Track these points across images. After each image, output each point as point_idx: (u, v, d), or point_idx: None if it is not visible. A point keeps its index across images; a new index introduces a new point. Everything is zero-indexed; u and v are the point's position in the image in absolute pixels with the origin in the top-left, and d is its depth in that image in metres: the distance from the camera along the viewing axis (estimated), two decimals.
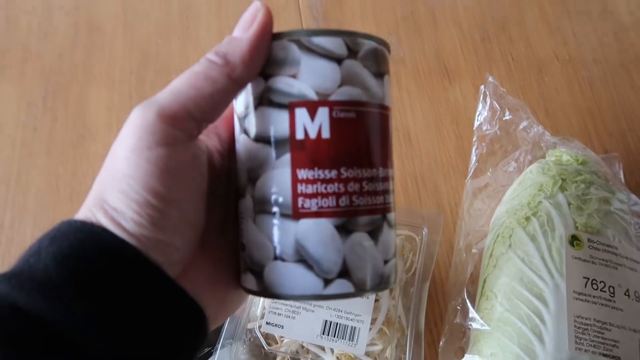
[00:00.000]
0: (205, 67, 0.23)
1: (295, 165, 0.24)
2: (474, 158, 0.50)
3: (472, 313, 0.40)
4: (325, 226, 0.24)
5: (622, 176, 0.49)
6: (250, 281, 0.25)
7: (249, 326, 0.41)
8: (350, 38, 0.25)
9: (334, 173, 0.24)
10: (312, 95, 0.24)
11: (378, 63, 0.26)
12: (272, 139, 0.24)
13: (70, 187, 0.57)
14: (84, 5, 0.67)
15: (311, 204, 0.24)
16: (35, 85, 0.63)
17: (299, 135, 0.24)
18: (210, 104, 0.23)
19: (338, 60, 0.24)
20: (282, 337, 0.41)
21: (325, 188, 0.24)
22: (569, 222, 0.40)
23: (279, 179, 0.24)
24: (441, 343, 0.43)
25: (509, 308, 0.38)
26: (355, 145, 0.24)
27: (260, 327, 0.41)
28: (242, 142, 0.26)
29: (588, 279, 0.38)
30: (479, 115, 0.50)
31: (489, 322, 0.39)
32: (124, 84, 0.62)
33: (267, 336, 0.41)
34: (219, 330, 0.41)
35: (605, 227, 0.41)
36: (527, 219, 0.41)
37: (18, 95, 0.62)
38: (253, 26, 0.24)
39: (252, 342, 0.41)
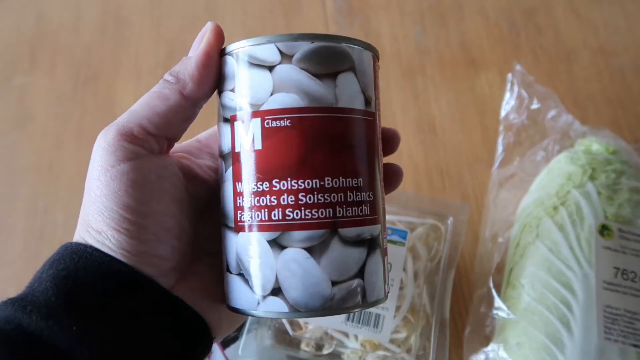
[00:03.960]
0: (160, 86, 0.25)
1: (234, 178, 0.24)
2: (500, 148, 0.49)
3: (498, 302, 0.40)
4: (258, 240, 0.23)
5: None
6: (220, 289, 0.26)
7: None
8: (283, 42, 0.23)
9: (265, 185, 0.23)
10: (247, 107, 0.23)
11: (325, 63, 0.23)
12: (222, 153, 0.25)
13: None
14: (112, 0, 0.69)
15: (245, 217, 0.23)
16: (66, 78, 0.64)
17: (237, 148, 0.24)
18: (165, 120, 0.25)
19: (270, 68, 0.23)
20: (306, 323, 0.41)
21: (258, 201, 0.23)
22: (599, 212, 0.39)
23: (226, 192, 0.25)
24: (466, 332, 0.42)
25: (536, 297, 0.38)
26: (290, 155, 0.23)
27: None
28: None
29: (618, 269, 0.38)
30: (505, 104, 0.49)
31: (516, 311, 0.39)
32: (151, 77, 0.63)
33: (292, 322, 0.41)
34: None
35: (637, 217, 0.40)
36: (555, 208, 0.41)
37: (49, 87, 0.64)
38: (201, 45, 0.25)
39: (277, 327, 0.42)
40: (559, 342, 0.36)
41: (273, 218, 0.23)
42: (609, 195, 0.40)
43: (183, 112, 0.25)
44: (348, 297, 0.23)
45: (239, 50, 0.24)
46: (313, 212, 0.23)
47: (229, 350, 0.42)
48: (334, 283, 0.23)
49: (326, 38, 0.24)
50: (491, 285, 0.41)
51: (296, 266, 0.23)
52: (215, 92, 0.26)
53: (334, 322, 0.40)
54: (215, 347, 0.42)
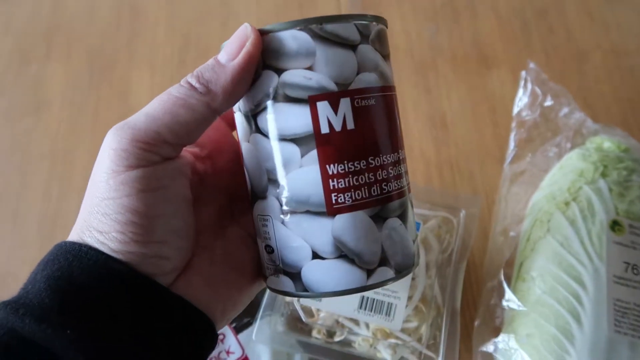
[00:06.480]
0: (185, 93, 0.23)
1: (323, 161, 0.23)
2: (512, 144, 0.50)
3: (509, 294, 0.41)
4: (361, 218, 0.23)
5: None
6: (285, 283, 0.25)
7: (288, 299, 0.43)
8: (361, 22, 0.24)
9: (363, 164, 0.23)
10: (332, 87, 0.23)
11: (385, 44, 0.25)
12: (295, 137, 0.23)
13: None
14: None
15: (345, 198, 0.23)
16: (81, 66, 0.65)
17: (324, 129, 0.23)
18: (186, 130, 0.23)
19: (352, 47, 0.23)
20: (319, 310, 0.42)
21: (357, 180, 0.23)
22: (610, 208, 0.40)
23: (308, 177, 0.23)
24: (476, 323, 0.43)
25: (547, 290, 0.39)
26: (378, 132, 0.24)
27: (298, 300, 0.42)
28: (255, 142, 0.24)
29: (629, 264, 0.38)
30: (519, 101, 0.50)
31: (526, 303, 0.39)
32: (165, 67, 0.64)
33: (304, 309, 0.42)
34: (258, 303, 0.42)
35: None
36: (567, 204, 0.41)
37: (65, 75, 0.64)
38: (240, 55, 0.23)
39: (290, 314, 0.42)
40: (569, 334, 0.36)
41: (373, 194, 0.24)
42: (620, 192, 0.41)
43: (205, 124, 0.23)
44: (418, 252, 0.26)
45: (319, 27, 0.23)
46: (398, 182, 0.25)
47: (242, 336, 0.43)
48: (413, 241, 0.26)
49: (384, 22, 0.25)
50: (502, 277, 0.42)
51: (395, 234, 0.24)
52: (267, 71, 0.24)
53: (347, 310, 0.40)
54: (229, 332, 0.43)
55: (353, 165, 0.23)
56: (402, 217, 0.25)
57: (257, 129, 0.24)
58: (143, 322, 0.22)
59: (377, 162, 0.24)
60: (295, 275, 0.24)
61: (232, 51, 0.23)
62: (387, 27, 0.26)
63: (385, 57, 0.25)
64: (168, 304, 0.23)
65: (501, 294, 0.41)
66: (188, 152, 0.28)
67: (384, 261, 0.24)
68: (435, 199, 0.46)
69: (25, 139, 0.61)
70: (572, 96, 0.48)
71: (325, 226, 0.23)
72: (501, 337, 0.40)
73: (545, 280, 0.39)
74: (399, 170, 0.25)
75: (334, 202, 0.23)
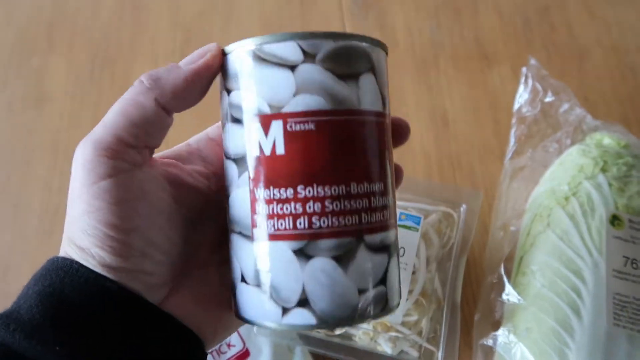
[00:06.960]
0: (134, 91, 0.23)
1: (252, 184, 0.22)
2: (512, 140, 0.50)
3: (509, 288, 0.41)
4: (281, 250, 0.22)
5: None
6: (232, 301, 0.25)
7: None
8: (306, 40, 0.22)
9: (289, 192, 0.22)
10: (265, 109, 0.22)
11: (348, 63, 0.22)
12: (235, 157, 0.23)
13: None
14: None
15: (267, 226, 0.22)
16: (83, 60, 0.65)
17: (255, 152, 0.22)
18: (142, 130, 0.23)
19: (291, 67, 0.22)
20: None
21: (281, 209, 0.22)
22: (610, 203, 0.40)
23: (241, 198, 0.23)
24: (476, 318, 0.43)
25: (546, 284, 0.39)
26: (316, 161, 0.22)
27: None
28: (223, 159, 0.25)
29: (628, 258, 0.38)
30: (519, 97, 0.50)
31: (526, 297, 0.40)
32: (167, 61, 0.64)
33: None
34: None
35: None
36: (567, 199, 0.41)
37: (67, 68, 0.64)
38: (197, 62, 0.24)
39: None
40: (568, 327, 0.37)
41: (298, 227, 0.22)
42: (619, 187, 0.41)
43: (160, 123, 0.24)
44: (373, 305, 0.23)
45: (256, 47, 0.22)
46: (340, 219, 0.22)
47: (243, 329, 0.43)
48: (360, 291, 0.22)
49: (348, 37, 0.23)
50: (502, 271, 0.42)
51: (324, 276, 0.22)
52: (223, 92, 0.24)
53: None
54: None
55: (279, 192, 0.22)
56: (342, 259, 0.22)
57: (223, 147, 0.25)
58: (131, 339, 0.22)
59: (309, 193, 0.22)
60: (233, 294, 0.24)
61: (191, 58, 0.24)
62: (366, 43, 0.23)
63: (346, 77, 0.22)
64: (156, 321, 0.23)
65: (501, 288, 0.42)
66: (195, 171, 0.28)
67: (303, 303, 0.22)
68: (436, 194, 0.46)
69: (27, 132, 0.61)
70: (572, 92, 0.48)
71: (250, 251, 0.23)
72: (501, 331, 0.40)
73: (545, 274, 0.39)
74: (347, 206, 0.22)
75: (257, 227, 0.22)
